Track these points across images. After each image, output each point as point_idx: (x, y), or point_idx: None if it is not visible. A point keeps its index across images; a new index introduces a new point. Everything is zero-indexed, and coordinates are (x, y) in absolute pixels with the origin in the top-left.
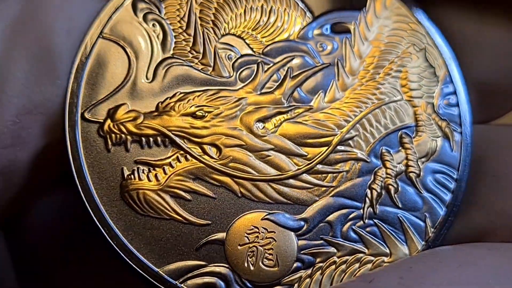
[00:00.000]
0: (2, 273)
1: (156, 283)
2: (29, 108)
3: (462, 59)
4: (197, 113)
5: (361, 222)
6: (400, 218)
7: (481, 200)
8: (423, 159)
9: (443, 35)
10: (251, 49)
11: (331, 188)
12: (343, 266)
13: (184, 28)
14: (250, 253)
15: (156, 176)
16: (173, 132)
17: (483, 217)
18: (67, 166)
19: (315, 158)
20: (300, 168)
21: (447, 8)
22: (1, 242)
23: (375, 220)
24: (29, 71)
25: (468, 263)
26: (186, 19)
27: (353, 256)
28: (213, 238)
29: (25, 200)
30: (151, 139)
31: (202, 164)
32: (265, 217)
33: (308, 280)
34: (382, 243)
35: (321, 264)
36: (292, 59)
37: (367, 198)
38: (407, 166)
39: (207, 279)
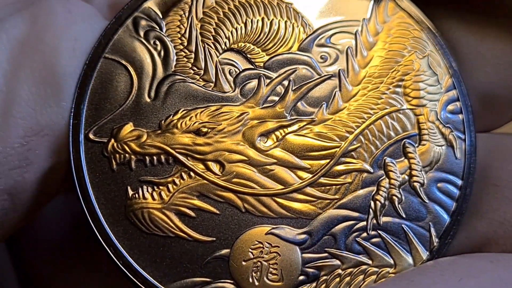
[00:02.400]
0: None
1: None
2: (35, 130)
3: (463, 69)
4: (200, 129)
5: (365, 233)
6: (404, 228)
7: (483, 209)
8: (427, 168)
9: (446, 42)
10: (252, 63)
11: (335, 201)
12: (348, 279)
13: (185, 44)
14: (254, 268)
15: (160, 194)
16: (176, 150)
17: (485, 226)
18: (72, 187)
19: (318, 171)
20: (304, 182)
21: (448, 18)
22: (5, 257)
23: (379, 231)
24: (35, 93)
25: (470, 276)
26: (187, 35)
27: (357, 268)
28: (218, 254)
29: (31, 218)
30: (154, 157)
31: (205, 181)
32: (269, 231)
33: None
34: (387, 254)
35: (325, 277)
36: (294, 72)
37: (371, 210)
38: (410, 175)
39: None
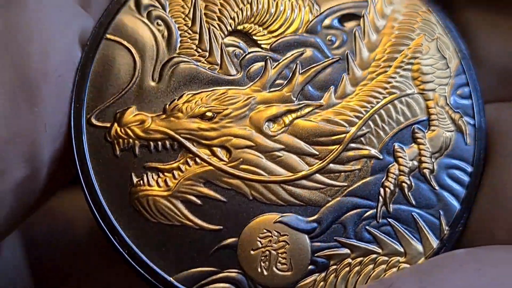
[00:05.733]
0: (18, 279)
1: None
2: (6, 138)
3: (478, 42)
4: (206, 114)
5: (375, 221)
6: (414, 216)
7: None
8: (436, 155)
9: (455, 23)
10: (259, 45)
11: (344, 188)
12: (358, 268)
13: (190, 25)
14: (263, 257)
15: (165, 181)
16: (181, 135)
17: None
18: (75, 173)
19: (327, 157)
20: (312, 168)
21: None
22: (17, 249)
23: (389, 219)
24: (6, 99)
25: (489, 265)
26: (191, 15)
27: (367, 257)
28: (225, 243)
29: (11, 230)
30: (159, 143)
31: (212, 167)
32: (278, 220)
33: (322, 283)
34: (397, 242)
35: (335, 266)
36: (301, 54)
37: (380, 197)
38: (420, 162)
39: (220, 285)
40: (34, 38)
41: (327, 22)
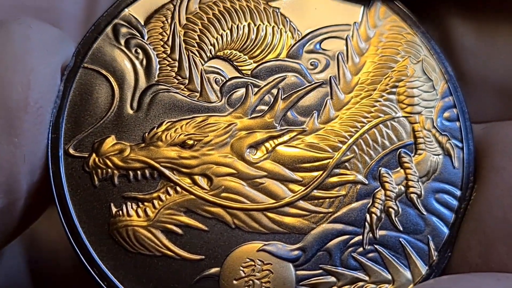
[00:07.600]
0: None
1: None
2: None
3: (475, 59)
4: (186, 142)
5: (361, 248)
6: (402, 242)
7: None
8: (423, 179)
9: (439, 44)
10: (239, 71)
11: (329, 214)
12: None
13: (169, 52)
14: (246, 287)
15: (145, 211)
16: (161, 163)
17: None
18: (53, 204)
19: (310, 183)
20: (296, 195)
21: (451, 14)
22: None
23: (375, 246)
24: None
25: None
26: (170, 43)
27: (354, 285)
28: (207, 273)
29: None
30: (138, 172)
31: (192, 196)
32: (261, 248)
33: None
34: (384, 269)
35: None
36: (283, 80)
37: (366, 223)
38: (407, 186)
39: None
40: (18, 68)
41: (309, 46)
